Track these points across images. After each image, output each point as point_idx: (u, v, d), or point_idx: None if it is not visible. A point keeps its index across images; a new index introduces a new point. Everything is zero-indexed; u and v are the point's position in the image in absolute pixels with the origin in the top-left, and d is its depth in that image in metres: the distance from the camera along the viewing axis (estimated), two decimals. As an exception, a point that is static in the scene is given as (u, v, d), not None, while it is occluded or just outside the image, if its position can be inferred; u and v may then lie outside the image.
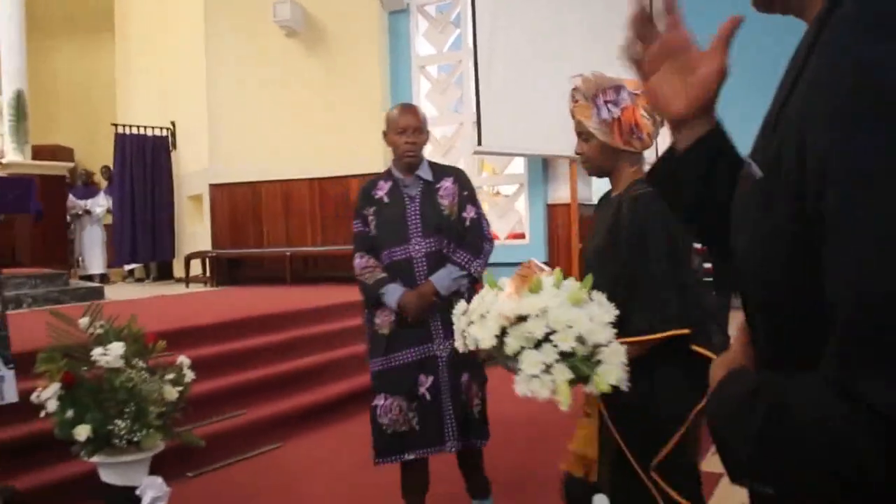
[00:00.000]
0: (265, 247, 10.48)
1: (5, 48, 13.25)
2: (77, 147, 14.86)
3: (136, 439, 2.99)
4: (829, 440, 0.71)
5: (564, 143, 8.08)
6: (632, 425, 2.21)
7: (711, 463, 2.74)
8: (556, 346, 1.84)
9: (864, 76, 0.72)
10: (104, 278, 12.02)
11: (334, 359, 6.06)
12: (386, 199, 3.38)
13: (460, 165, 9.91)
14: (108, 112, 15.06)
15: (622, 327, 2.01)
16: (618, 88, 2.41)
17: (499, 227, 9.68)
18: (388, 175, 3.46)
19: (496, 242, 9.79)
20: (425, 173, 3.40)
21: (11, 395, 3.00)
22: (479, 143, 7.93)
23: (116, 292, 9.22)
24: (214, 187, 10.81)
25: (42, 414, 3.02)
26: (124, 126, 11.83)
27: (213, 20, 10.90)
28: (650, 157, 2.00)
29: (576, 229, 8.38)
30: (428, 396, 3.22)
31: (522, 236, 9.44)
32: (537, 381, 1.83)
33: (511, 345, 1.87)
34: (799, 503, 0.83)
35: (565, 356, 1.84)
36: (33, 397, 3.02)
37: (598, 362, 1.90)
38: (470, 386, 3.31)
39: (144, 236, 11.67)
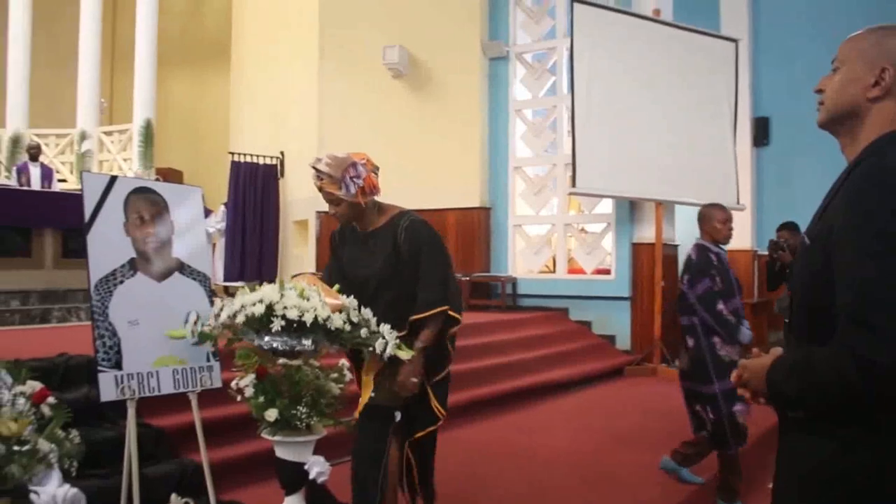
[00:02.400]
0: (366, 271, 11.25)
1: (139, 81, 14.51)
2: (186, 171, 15.89)
3: (311, 423, 3.74)
4: (835, 377, 1.43)
5: (651, 186, 8.76)
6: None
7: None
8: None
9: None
10: (226, 292, 13.00)
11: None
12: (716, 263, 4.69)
13: (552, 204, 10.63)
14: (216, 139, 16.20)
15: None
16: (354, 164, 3.39)
17: (586, 263, 10.32)
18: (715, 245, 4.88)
19: (582, 277, 10.41)
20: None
21: (216, 382, 3.79)
22: (574, 184, 8.59)
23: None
24: (321, 214, 11.70)
25: (239, 398, 3.80)
26: (239, 154, 12.84)
27: (325, 58, 11.86)
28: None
29: (659, 267, 8.96)
30: None
31: (608, 272, 10.03)
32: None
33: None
34: (819, 419, 1.54)
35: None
36: (233, 383, 3.81)
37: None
38: None
39: (252, 256, 12.66)
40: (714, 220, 4.71)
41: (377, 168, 3.49)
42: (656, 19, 9.23)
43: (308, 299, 2.98)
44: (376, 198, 3.49)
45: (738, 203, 9.32)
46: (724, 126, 9.36)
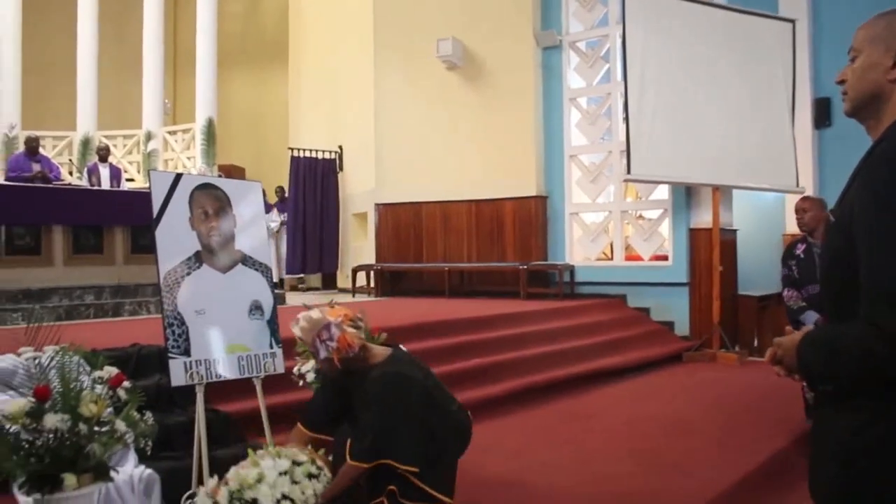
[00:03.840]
0: (425, 262, 11.48)
1: (201, 81, 14.92)
2: (248, 167, 16.27)
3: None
4: (861, 352, 1.51)
5: (708, 171, 8.72)
6: None
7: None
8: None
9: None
10: (279, 286, 13.32)
11: (496, 362, 6.89)
12: (802, 256, 5.54)
13: (608, 192, 10.64)
14: (275, 136, 16.56)
15: None
16: (328, 326, 3.34)
17: (643, 249, 10.31)
18: (803, 240, 5.62)
19: (640, 263, 10.39)
20: None
21: (280, 368, 3.97)
22: (629, 171, 8.60)
23: (294, 298, 10.34)
24: (380, 206, 11.90)
25: (301, 384, 3.98)
26: (298, 150, 13.11)
27: (381, 54, 12.04)
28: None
29: (717, 252, 8.91)
30: None
31: (665, 258, 10.01)
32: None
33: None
34: (847, 392, 1.60)
35: None
36: (295, 369, 3.99)
37: None
38: None
39: (313, 249, 12.95)
40: (796, 212, 5.59)
41: (359, 320, 3.48)
42: (710, 2, 9.15)
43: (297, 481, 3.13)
44: (367, 343, 3.49)
45: (797, 186, 9.20)
46: (781, 109, 9.24)
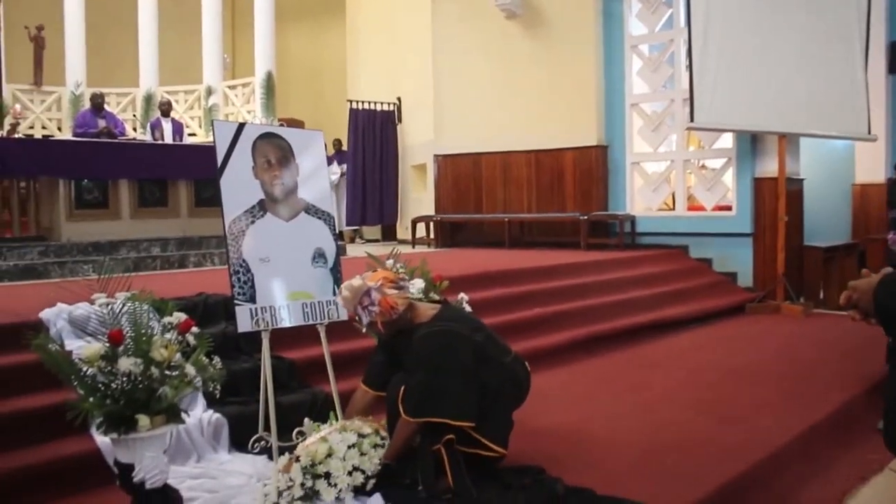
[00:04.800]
0: (484, 213, 11.46)
1: (259, 35, 15.01)
2: (308, 120, 16.37)
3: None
4: None
5: (774, 118, 8.49)
6: None
7: None
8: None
9: None
10: (340, 237, 13.44)
11: (558, 311, 6.89)
12: None
13: (670, 141, 10.45)
14: (334, 88, 16.63)
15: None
16: (368, 292, 3.35)
17: (706, 199, 10.13)
18: None
19: (702, 214, 10.24)
20: None
21: (343, 315, 4.01)
22: (692, 119, 8.42)
23: (355, 250, 10.42)
24: (439, 157, 11.88)
25: (363, 331, 4.01)
26: (357, 102, 13.12)
27: (439, 3, 11.92)
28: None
29: (783, 202, 8.69)
30: None
31: (729, 208, 9.82)
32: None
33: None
34: None
35: None
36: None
37: None
38: None
39: (373, 201, 13.02)
40: None
41: (402, 280, 3.47)
42: (779, -58, 8.82)
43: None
44: (413, 301, 3.50)
45: (869, 134, 8.92)
46: (854, 53, 8.89)
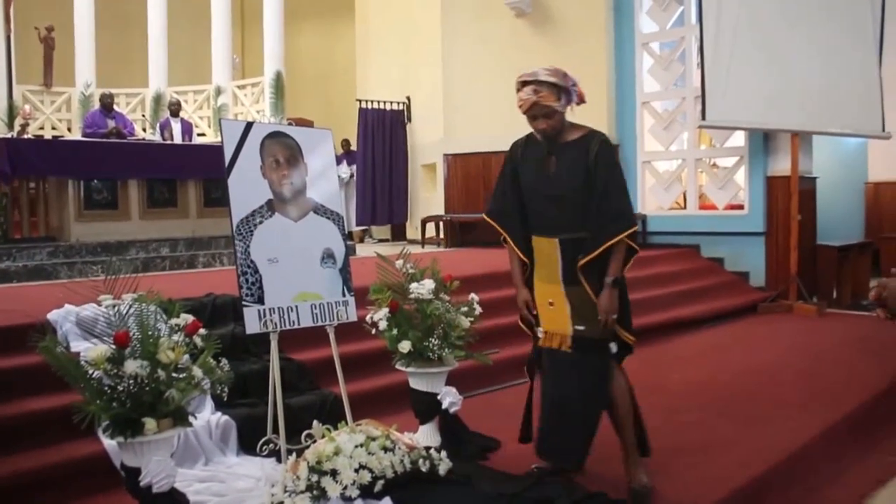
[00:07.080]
0: (494, 212, 11.35)
1: (268, 35, 15.00)
2: (317, 120, 16.34)
3: (443, 355, 3.88)
4: None
5: (786, 116, 8.40)
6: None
7: None
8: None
9: None
10: (350, 237, 13.40)
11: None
12: None
13: (681, 139, 10.37)
14: (343, 88, 16.59)
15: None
16: (566, 74, 3.28)
17: (718, 198, 10.05)
18: None
19: (714, 212, 10.16)
20: None
21: (352, 315, 3.97)
22: (704, 117, 8.35)
23: (365, 250, 10.37)
24: (448, 157, 11.83)
25: (373, 332, 3.98)
26: (367, 101, 13.07)
27: (449, 3, 11.85)
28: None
29: (795, 200, 8.61)
30: None
31: (741, 207, 9.74)
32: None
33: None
34: None
35: None
36: (367, 318, 3.99)
37: None
38: None
39: (383, 200, 12.96)
40: None
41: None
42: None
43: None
44: None
45: (883, 131, 8.83)
46: (868, 50, 8.80)
